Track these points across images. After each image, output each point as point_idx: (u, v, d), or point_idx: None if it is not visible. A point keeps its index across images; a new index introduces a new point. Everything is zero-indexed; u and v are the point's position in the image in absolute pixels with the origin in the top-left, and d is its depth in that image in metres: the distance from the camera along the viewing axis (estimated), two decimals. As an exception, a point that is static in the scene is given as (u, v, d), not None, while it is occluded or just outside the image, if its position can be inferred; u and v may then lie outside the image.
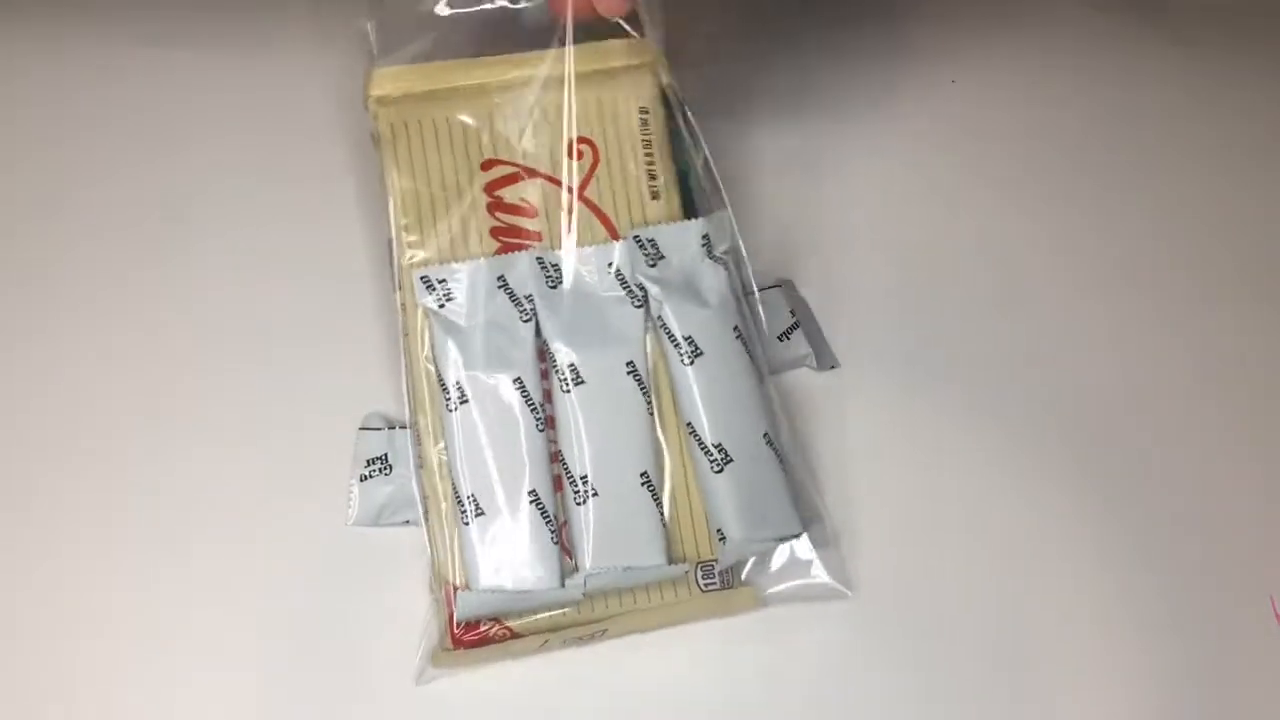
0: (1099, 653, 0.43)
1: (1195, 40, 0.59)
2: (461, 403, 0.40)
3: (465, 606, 0.39)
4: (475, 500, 0.39)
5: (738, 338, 0.41)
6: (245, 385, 0.46)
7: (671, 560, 0.40)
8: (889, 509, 0.45)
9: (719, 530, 0.41)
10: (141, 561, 0.43)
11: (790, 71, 0.55)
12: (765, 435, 0.41)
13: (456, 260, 0.41)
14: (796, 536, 0.42)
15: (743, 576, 0.42)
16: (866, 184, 0.53)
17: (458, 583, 0.39)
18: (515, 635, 0.40)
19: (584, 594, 0.39)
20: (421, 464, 0.41)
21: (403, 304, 0.42)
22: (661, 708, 0.41)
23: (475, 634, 0.40)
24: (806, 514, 0.42)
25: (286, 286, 0.48)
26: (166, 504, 0.44)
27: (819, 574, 0.42)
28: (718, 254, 0.42)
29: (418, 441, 0.41)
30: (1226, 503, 0.47)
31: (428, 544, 0.41)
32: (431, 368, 0.41)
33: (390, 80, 0.42)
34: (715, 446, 0.40)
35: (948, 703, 0.42)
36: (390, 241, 0.42)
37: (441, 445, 0.40)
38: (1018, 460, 0.47)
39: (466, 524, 0.39)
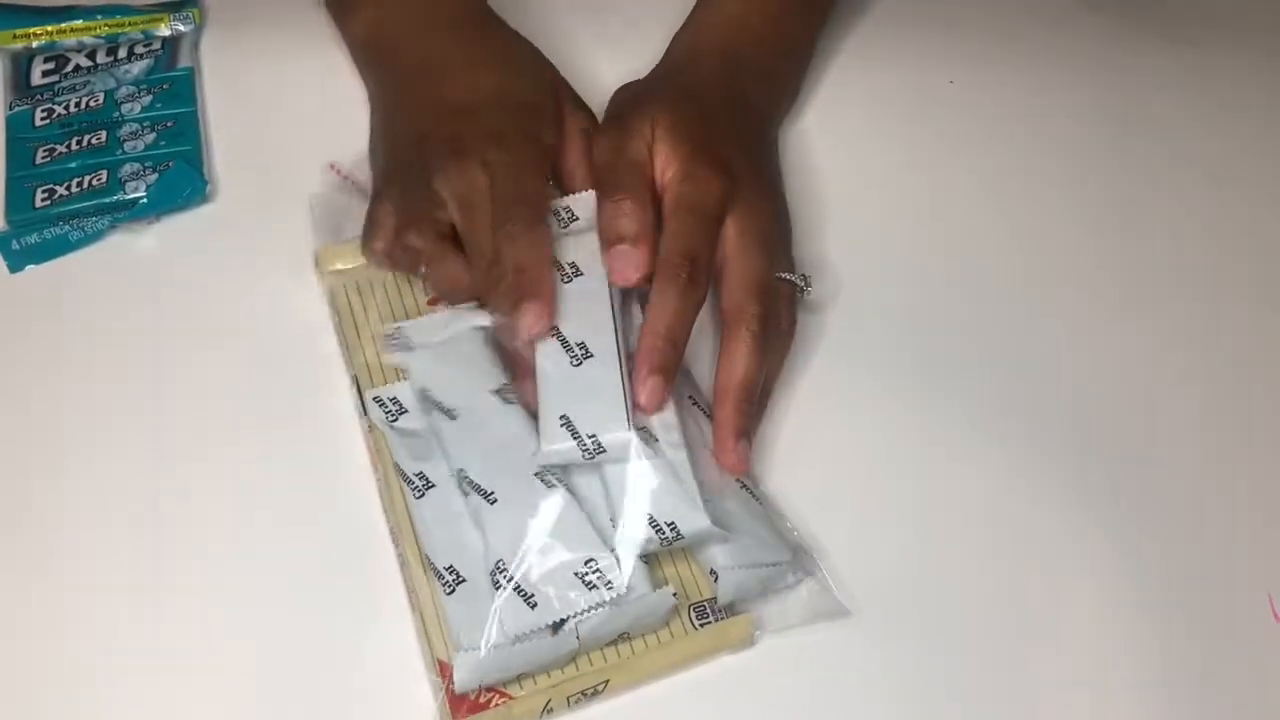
0: (1099, 652, 0.43)
1: (1193, 39, 0.60)
2: (428, 488, 0.42)
3: (464, 670, 0.39)
4: (455, 570, 0.41)
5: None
6: (251, 409, 0.46)
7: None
8: (890, 517, 0.45)
9: (711, 571, 0.42)
10: (136, 602, 0.42)
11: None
12: (740, 481, 0.44)
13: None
14: (787, 562, 0.42)
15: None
16: (865, 186, 0.53)
17: (449, 659, 0.40)
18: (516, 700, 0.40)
19: (577, 640, 0.40)
20: (404, 563, 0.42)
21: (370, 425, 0.45)
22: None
23: (476, 706, 0.39)
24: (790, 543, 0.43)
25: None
26: (164, 541, 0.43)
27: (815, 594, 0.43)
28: None
29: (397, 544, 0.43)
30: (1226, 503, 0.47)
31: (418, 635, 0.41)
32: (394, 473, 0.44)
33: (339, 256, 0.49)
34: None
35: (950, 704, 0.42)
36: (354, 378, 0.46)
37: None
38: (1018, 464, 0.47)
39: (450, 594, 0.40)
